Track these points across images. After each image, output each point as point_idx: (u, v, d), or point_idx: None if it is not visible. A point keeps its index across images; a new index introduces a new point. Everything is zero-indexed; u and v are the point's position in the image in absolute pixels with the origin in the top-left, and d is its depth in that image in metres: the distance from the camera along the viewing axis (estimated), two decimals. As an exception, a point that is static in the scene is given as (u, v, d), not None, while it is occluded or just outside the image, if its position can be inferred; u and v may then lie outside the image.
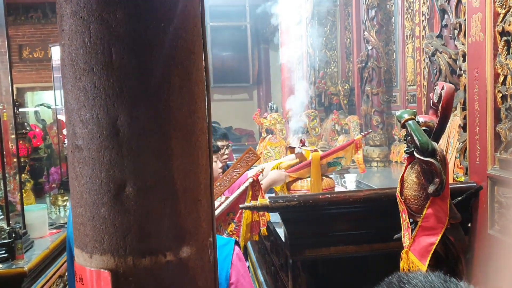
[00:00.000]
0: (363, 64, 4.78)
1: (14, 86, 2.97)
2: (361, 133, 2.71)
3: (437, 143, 1.61)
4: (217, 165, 2.94)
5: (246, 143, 7.42)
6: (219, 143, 2.83)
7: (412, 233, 1.67)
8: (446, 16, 2.91)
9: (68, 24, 1.00)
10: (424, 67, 4.29)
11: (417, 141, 1.57)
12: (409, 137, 1.65)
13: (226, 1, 9.11)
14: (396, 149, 4.65)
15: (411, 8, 4.50)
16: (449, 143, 2.56)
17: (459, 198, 1.83)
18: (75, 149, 1.03)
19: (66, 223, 3.20)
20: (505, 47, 1.79)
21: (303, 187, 2.64)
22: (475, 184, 2.01)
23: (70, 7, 0.99)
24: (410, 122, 1.61)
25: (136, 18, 0.98)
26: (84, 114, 1.00)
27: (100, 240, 1.02)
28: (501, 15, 1.80)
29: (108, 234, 1.01)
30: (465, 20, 2.08)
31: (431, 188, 1.58)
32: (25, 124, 4.40)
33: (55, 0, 1.04)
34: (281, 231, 2.29)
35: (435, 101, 1.65)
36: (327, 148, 4.08)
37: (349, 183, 3.57)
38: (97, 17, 0.97)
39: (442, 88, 1.58)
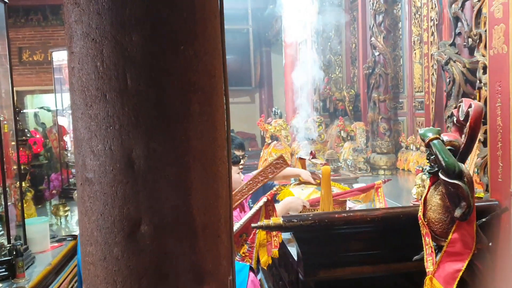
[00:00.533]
0: (370, 70, 4.69)
1: (14, 89, 2.88)
2: (382, 180, 2.61)
3: (464, 164, 1.53)
4: (239, 177, 2.85)
5: (249, 149, 7.33)
6: (236, 153, 2.74)
7: (436, 258, 1.59)
8: (459, 24, 2.83)
9: (79, 46, 0.92)
10: (433, 74, 4.20)
11: (443, 162, 1.49)
12: (432, 157, 1.57)
13: (228, 4, 9.00)
14: (403, 157, 4.56)
15: (419, 13, 4.42)
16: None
17: (483, 220, 1.75)
18: (85, 182, 0.95)
19: (68, 236, 3.12)
20: (532, 61, 1.72)
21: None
22: (497, 202, 1.93)
23: (81, 28, 0.91)
24: (435, 141, 1.53)
25: (154, 41, 0.89)
26: (96, 144, 0.92)
27: (112, 282, 0.93)
28: (527, 28, 1.72)
29: (121, 276, 0.92)
30: (485, 31, 2.00)
31: (457, 212, 1.49)
32: (26, 130, 4.31)
33: (64, 20, 0.95)
34: (293, 249, 2.21)
35: (461, 118, 1.57)
36: (335, 157, 4.00)
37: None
38: (110, 39, 0.89)
39: (470, 106, 1.50)
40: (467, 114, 1.51)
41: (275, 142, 4.82)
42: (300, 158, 3.05)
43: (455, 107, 1.72)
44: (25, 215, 2.76)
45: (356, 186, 3.53)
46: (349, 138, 4.85)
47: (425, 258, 1.64)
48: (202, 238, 0.95)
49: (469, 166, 2.44)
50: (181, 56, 0.91)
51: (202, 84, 0.94)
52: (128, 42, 0.88)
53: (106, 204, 0.92)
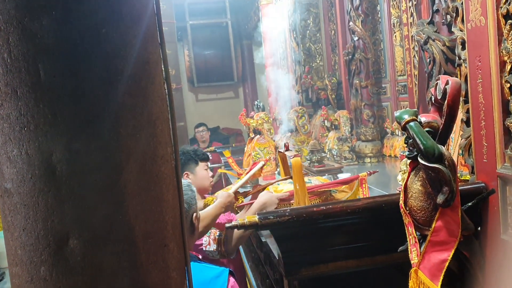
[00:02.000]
0: (350, 56, 4.57)
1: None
2: (367, 172, 2.49)
3: (444, 146, 1.42)
4: (207, 173, 2.75)
5: (234, 145, 7.20)
6: (204, 163, 2.68)
7: (420, 248, 1.48)
8: (437, 0, 2.72)
9: (-17, 36, 0.78)
10: (414, 56, 4.10)
11: (421, 146, 1.38)
12: (410, 140, 1.46)
13: (205, -3, 8.87)
14: (389, 143, 4.46)
15: (397, -6, 4.31)
16: (450, 139, 2.37)
17: (469, 204, 1.64)
18: (5, 194, 0.82)
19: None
20: (511, 31, 1.60)
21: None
22: (483, 185, 1.82)
23: (-16, 14, 0.77)
24: (411, 123, 1.41)
25: (69, 24, 0.76)
26: (11, 150, 0.79)
27: (41, 307, 0.81)
28: (505, -4, 1.61)
29: (50, 300, 0.80)
30: (462, 3, 1.88)
31: (440, 198, 1.38)
32: None
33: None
34: (274, 247, 2.09)
35: (438, 97, 1.46)
36: (318, 147, 3.88)
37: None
38: (16, 26, 0.75)
39: (447, 83, 1.39)
40: (444, 92, 1.40)
41: (258, 136, 4.69)
42: (279, 152, 2.93)
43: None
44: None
45: (341, 176, 3.42)
46: (333, 127, 4.74)
47: (409, 249, 1.53)
48: (143, 249, 0.83)
49: (453, 148, 2.34)
50: (103, 40, 0.78)
51: (132, 72, 0.81)
52: (38, 27, 0.75)
53: (28, 217, 0.79)
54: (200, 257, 1.93)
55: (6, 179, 0.81)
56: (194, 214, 1.74)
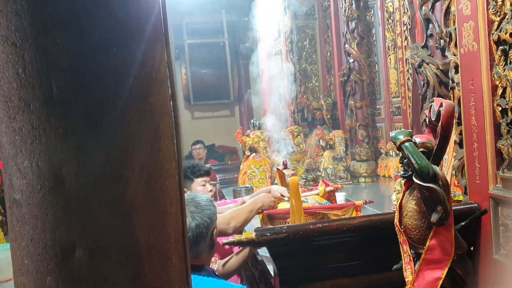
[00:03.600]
0: (345, 78, 4.65)
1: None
2: (363, 201, 2.54)
3: (438, 166, 1.45)
4: (204, 188, 2.78)
5: (229, 162, 7.22)
6: (201, 179, 2.72)
7: (415, 266, 1.51)
8: (431, 25, 2.79)
9: (-2, 52, 0.82)
10: (408, 78, 4.18)
11: (416, 165, 1.41)
12: (405, 160, 1.49)
13: (203, 18, 8.98)
14: (383, 163, 4.51)
15: (392, 18, 4.40)
16: (444, 160, 2.41)
17: (463, 224, 1.67)
18: (13, 204, 0.84)
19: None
20: (502, 56, 1.66)
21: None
22: (476, 205, 1.86)
23: None
24: (406, 144, 1.45)
25: (81, 42, 0.80)
26: (22, 161, 0.81)
27: (46, 317, 0.82)
28: (496, 23, 1.67)
29: (55, 309, 0.81)
30: (455, 29, 1.95)
31: (434, 217, 1.41)
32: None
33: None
34: (270, 266, 2.11)
35: (433, 119, 1.50)
36: (314, 166, 3.92)
37: (338, 201, 3.39)
38: (32, 43, 0.79)
39: (441, 106, 1.43)
40: (438, 114, 1.44)
41: (253, 154, 4.72)
42: (278, 170, 2.96)
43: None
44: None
45: (338, 195, 3.44)
46: (328, 146, 4.79)
47: (403, 267, 1.55)
48: (147, 261, 0.85)
49: (447, 168, 2.38)
50: (113, 57, 0.82)
51: (140, 88, 0.85)
52: (51, 44, 0.79)
53: (36, 228, 0.81)
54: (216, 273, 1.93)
55: (15, 190, 0.83)
56: (215, 230, 1.76)
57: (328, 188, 2.67)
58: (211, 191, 2.78)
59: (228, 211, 2.36)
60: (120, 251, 0.82)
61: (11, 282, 2.64)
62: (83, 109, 0.80)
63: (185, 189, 2.71)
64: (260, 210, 2.38)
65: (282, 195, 2.49)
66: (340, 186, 2.92)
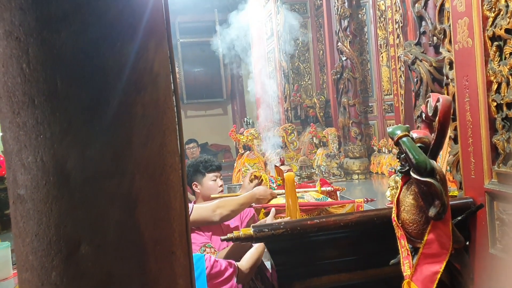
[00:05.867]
0: (338, 76, 4.67)
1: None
2: (364, 199, 2.55)
3: (435, 161, 1.47)
4: (215, 184, 2.80)
5: (223, 160, 7.22)
6: (212, 174, 2.74)
7: (413, 260, 1.52)
8: (424, 23, 2.82)
9: (2, 46, 0.81)
10: (401, 76, 4.21)
11: (413, 160, 1.43)
12: (402, 155, 1.50)
13: (195, 17, 8.97)
14: (376, 160, 4.54)
15: (384, 16, 4.43)
16: (439, 155, 2.43)
17: (459, 218, 1.69)
18: (17, 200, 0.84)
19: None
20: (497, 52, 1.68)
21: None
22: (471, 200, 1.88)
23: (3, 26, 0.81)
24: (404, 139, 1.46)
25: (86, 37, 0.80)
26: (26, 156, 0.81)
27: (51, 312, 0.82)
28: (491, 19, 1.68)
29: (61, 304, 0.81)
30: (449, 25, 1.97)
31: (432, 212, 1.43)
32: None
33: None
34: (267, 262, 2.11)
35: (429, 114, 1.51)
36: (307, 163, 3.93)
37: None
38: (36, 37, 0.79)
39: (438, 101, 1.45)
40: (435, 109, 1.46)
41: (248, 152, 4.73)
42: (276, 167, 2.97)
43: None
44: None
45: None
46: (321, 144, 4.80)
47: (401, 262, 1.57)
48: (152, 256, 0.85)
49: (442, 164, 2.41)
50: (118, 53, 0.82)
51: (145, 83, 0.85)
52: (56, 39, 0.79)
53: (41, 223, 0.81)
54: None
55: (19, 186, 0.83)
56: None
57: (325, 188, 2.67)
58: (221, 186, 2.79)
59: (217, 200, 2.41)
60: (125, 246, 0.83)
61: (9, 280, 2.63)
62: (88, 104, 0.80)
63: (196, 183, 2.75)
64: (256, 204, 2.43)
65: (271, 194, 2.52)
66: (340, 188, 2.93)
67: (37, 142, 0.79)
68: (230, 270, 1.95)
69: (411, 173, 1.46)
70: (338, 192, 2.82)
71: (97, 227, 0.81)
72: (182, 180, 0.95)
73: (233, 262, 2.07)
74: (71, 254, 0.80)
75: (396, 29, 4.24)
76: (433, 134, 1.51)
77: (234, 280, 1.90)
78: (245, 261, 2.17)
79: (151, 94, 0.86)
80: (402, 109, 4.24)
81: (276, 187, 2.68)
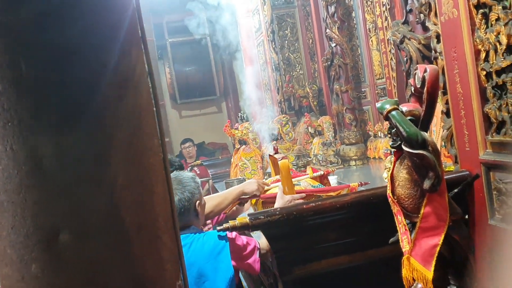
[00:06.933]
0: (329, 63, 4.63)
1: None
2: (359, 182, 2.52)
3: (426, 133, 1.44)
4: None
5: (220, 157, 7.20)
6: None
7: (411, 236, 1.49)
8: (409, 0, 2.78)
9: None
10: (391, 58, 4.18)
11: (404, 133, 1.40)
12: (394, 130, 1.48)
13: (183, 15, 8.91)
14: (372, 145, 4.51)
15: (371, 0, 4.40)
16: (432, 131, 2.41)
17: (456, 190, 1.67)
18: (-9, 193, 0.81)
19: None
20: (483, 20, 1.65)
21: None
22: (468, 173, 1.85)
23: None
24: (393, 112, 1.44)
25: (48, 16, 0.76)
26: (-4, 146, 0.78)
27: (34, 306, 0.79)
28: (474, -13, 1.66)
29: (43, 297, 0.78)
30: (434, -2, 1.94)
31: (426, 184, 1.40)
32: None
33: None
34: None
35: (418, 86, 1.49)
36: (303, 152, 3.91)
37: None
38: (-4, 20, 0.75)
39: (425, 71, 1.42)
40: (423, 80, 1.43)
41: (243, 146, 4.70)
42: (270, 156, 2.94)
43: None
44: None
45: (330, 178, 3.43)
46: (317, 133, 4.78)
47: (400, 238, 1.54)
48: (136, 241, 0.82)
49: (436, 139, 2.38)
50: (86, 32, 0.79)
51: (117, 63, 0.82)
52: (16, 20, 0.75)
53: (16, 214, 0.78)
54: None
55: (-9, 178, 0.80)
56: (197, 202, 1.98)
57: (317, 173, 2.64)
58: None
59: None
60: (107, 233, 0.80)
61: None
62: (57, 87, 0.76)
63: None
64: (244, 197, 2.38)
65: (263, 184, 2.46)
66: (330, 170, 2.90)
67: (5, 130, 0.76)
68: (252, 245, 1.95)
69: (403, 147, 1.43)
70: (333, 177, 2.80)
71: (75, 215, 0.78)
72: (164, 163, 0.92)
73: (253, 238, 2.05)
74: (51, 245, 0.77)
75: (384, 11, 4.21)
76: (422, 106, 1.48)
77: (257, 254, 1.89)
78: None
79: (124, 74, 0.83)
80: (395, 92, 4.22)
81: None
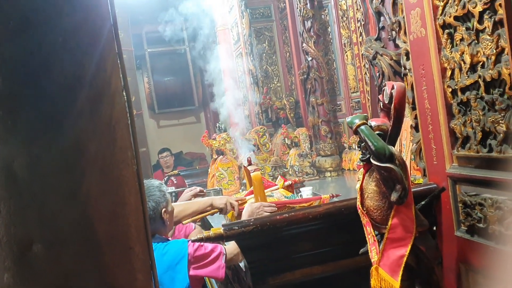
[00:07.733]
0: (305, 76, 4.72)
1: None
2: (330, 194, 2.58)
3: (394, 147, 1.50)
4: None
5: (197, 167, 7.19)
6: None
7: (379, 246, 1.54)
8: (382, 18, 2.87)
9: None
10: (365, 73, 4.28)
11: (372, 147, 1.46)
12: (363, 144, 1.53)
13: (162, 26, 8.93)
14: (347, 157, 4.60)
15: (346, 16, 4.51)
16: (402, 145, 2.49)
17: (423, 203, 1.73)
18: (-36, 204, 0.82)
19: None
20: (449, 40, 1.73)
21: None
22: (435, 185, 1.92)
23: None
24: (362, 127, 1.49)
25: (25, 34, 0.79)
26: (-30, 158, 0.79)
27: (5, 316, 0.80)
28: (440, 8, 1.74)
29: (15, 307, 0.79)
30: (403, 17, 2.02)
31: (393, 196, 1.46)
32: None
33: None
34: (242, 264, 2.11)
35: (386, 102, 1.55)
36: (279, 163, 3.95)
37: (305, 196, 3.43)
38: (-26, 36, 0.77)
39: (392, 88, 1.48)
40: (391, 96, 1.49)
41: (221, 156, 4.73)
42: (245, 167, 2.97)
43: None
44: None
45: (302, 190, 3.48)
46: (293, 144, 4.84)
47: (369, 248, 1.59)
48: (108, 252, 0.84)
49: (406, 153, 2.46)
50: (61, 48, 0.81)
51: (91, 77, 0.84)
52: (-6, 36, 0.77)
53: (-11, 226, 0.79)
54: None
55: (-35, 189, 0.81)
56: (164, 210, 2.01)
57: (287, 183, 2.70)
58: (175, 201, 2.75)
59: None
60: (79, 243, 0.81)
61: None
62: (32, 101, 0.79)
63: None
64: (210, 210, 2.40)
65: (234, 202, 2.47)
66: (298, 179, 2.97)
67: (-20, 142, 0.78)
68: (217, 252, 1.96)
69: (372, 160, 1.49)
70: (307, 188, 2.85)
71: (49, 225, 0.80)
72: (138, 175, 0.95)
73: (219, 245, 2.06)
74: (23, 254, 0.79)
75: (359, 27, 4.31)
76: (390, 121, 1.54)
77: (222, 260, 1.91)
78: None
79: (98, 89, 0.85)
80: (369, 105, 4.31)
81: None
